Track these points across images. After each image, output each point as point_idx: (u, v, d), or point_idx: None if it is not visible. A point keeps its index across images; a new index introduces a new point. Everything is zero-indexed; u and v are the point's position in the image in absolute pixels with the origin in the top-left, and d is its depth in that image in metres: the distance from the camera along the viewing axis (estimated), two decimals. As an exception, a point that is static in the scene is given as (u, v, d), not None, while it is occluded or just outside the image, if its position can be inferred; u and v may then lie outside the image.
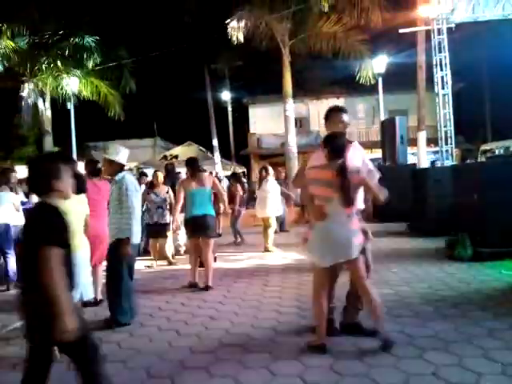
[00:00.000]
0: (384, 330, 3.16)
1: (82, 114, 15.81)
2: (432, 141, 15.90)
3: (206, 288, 5.20)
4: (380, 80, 14.56)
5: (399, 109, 21.05)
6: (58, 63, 14.02)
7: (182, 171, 8.97)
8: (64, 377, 2.40)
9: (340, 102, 24.61)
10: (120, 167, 4.12)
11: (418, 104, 13.50)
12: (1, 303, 4.87)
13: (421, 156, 13.18)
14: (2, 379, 3.07)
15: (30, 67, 14.09)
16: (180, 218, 5.91)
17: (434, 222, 7.95)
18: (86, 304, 4.53)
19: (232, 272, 6.21)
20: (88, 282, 3.65)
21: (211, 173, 11.28)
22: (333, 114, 3.44)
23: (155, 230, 6.85)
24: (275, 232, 8.45)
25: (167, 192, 7.01)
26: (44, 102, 14.97)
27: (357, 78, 14.96)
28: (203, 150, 21.46)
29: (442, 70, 11.93)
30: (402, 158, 10.69)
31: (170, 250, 7.14)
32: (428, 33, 12.21)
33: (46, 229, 2.05)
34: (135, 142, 26.98)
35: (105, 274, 4.29)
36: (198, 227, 5.33)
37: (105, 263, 4.45)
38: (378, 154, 15.43)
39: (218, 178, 13.87)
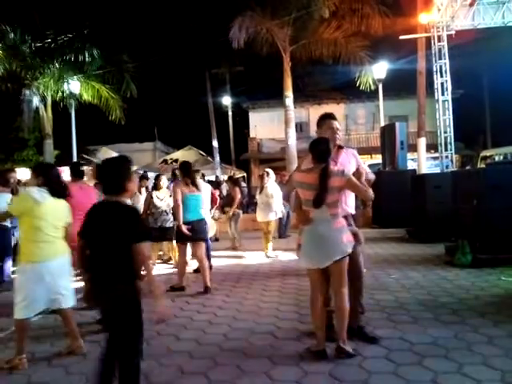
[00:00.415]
0: (345, 340, 3.14)
1: (83, 118, 15.84)
2: (432, 147, 15.94)
3: (206, 290, 5.23)
4: (380, 86, 14.62)
5: (399, 115, 21.10)
6: (60, 67, 14.06)
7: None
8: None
9: (340, 107, 24.73)
10: None
11: (418, 110, 13.53)
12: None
13: (421, 162, 13.19)
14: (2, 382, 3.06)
15: (32, 71, 14.12)
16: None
17: (434, 228, 7.96)
18: (84, 308, 4.57)
19: (231, 277, 6.20)
20: (69, 290, 3.46)
21: (203, 175, 11.28)
22: (323, 121, 3.58)
23: (159, 234, 6.86)
24: (273, 237, 8.45)
25: (170, 196, 7.02)
26: (45, 105, 14.98)
27: (357, 84, 15.01)
28: (203, 154, 21.45)
29: (442, 76, 11.99)
30: (401, 164, 10.71)
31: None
32: (428, 39, 12.28)
33: (140, 226, 2.45)
34: (136, 146, 27.07)
35: None
36: (191, 232, 5.38)
37: None
38: (377, 159, 15.47)
39: (217, 183, 13.92)
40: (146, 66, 16.72)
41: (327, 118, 3.57)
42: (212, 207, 7.90)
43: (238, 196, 8.99)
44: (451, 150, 12.00)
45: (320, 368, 3.02)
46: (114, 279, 2.35)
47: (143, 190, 8.48)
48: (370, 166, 3.84)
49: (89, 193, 4.90)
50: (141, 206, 8.18)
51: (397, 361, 3.06)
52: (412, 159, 13.98)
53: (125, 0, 17.55)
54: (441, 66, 11.99)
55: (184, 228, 5.33)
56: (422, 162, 13.08)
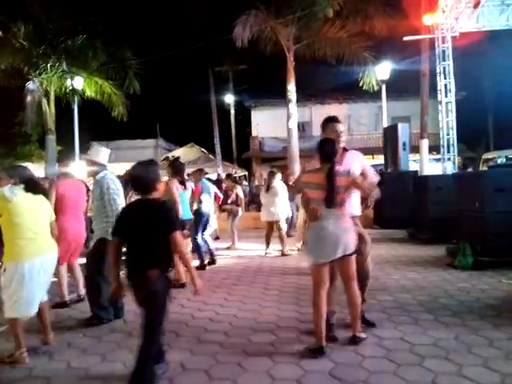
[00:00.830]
0: (360, 330, 3.40)
1: (86, 114, 15.86)
2: (434, 148, 15.92)
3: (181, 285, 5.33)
4: (384, 87, 14.60)
5: (402, 115, 21.06)
6: (63, 62, 14.07)
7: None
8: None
9: (343, 107, 24.69)
10: (101, 167, 4.21)
11: (420, 111, 13.52)
12: None
13: (423, 163, 13.18)
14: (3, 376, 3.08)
15: (35, 66, 14.13)
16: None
17: (435, 230, 7.96)
18: (71, 301, 4.67)
19: (232, 275, 6.22)
20: (47, 285, 3.50)
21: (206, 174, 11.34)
22: (328, 124, 3.67)
23: None
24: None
25: None
26: (48, 100, 15.01)
27: (360, 84, 15.00)
28: (205, 151, 21.51)
29: (445, 78, 11.99)
30: (403, 165, 10.69)
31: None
32: (432, 40, 12.27)
33: (175, 218, 2.96)
34: (137, 143, 27.06)
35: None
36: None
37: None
38: (380, 160, 15.45)
39: (219, 181, 13.91)
40: (150, 62, 16.73)
41: (331, 121, 3.66)
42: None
43: (240, 194, 9.01)
44: (453, 151, 12.00)
45: (320, 367, 3.03)
46: (153, 266, 2.69)
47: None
48: (372, 166, 3.91)
49: (80, 188, 4.98)
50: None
51: (397, 361, 3.07)
52: (414, 160, 13.97)
53: (129, -3, 17.56)
54: (444, 68, 11.99)
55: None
56: (425, 163, 13.07)
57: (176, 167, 5.99)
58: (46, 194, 3.61)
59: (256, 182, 20.27)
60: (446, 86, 12.03)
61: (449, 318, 3.97)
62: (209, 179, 12.39)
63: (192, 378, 2.98)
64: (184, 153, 19.22)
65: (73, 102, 14.40)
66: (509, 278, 5.27)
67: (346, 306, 3.55)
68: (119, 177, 11.21)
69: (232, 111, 25.61)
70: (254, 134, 26.46)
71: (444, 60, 11.94)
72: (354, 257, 3.31)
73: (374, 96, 17.25)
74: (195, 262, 6.40)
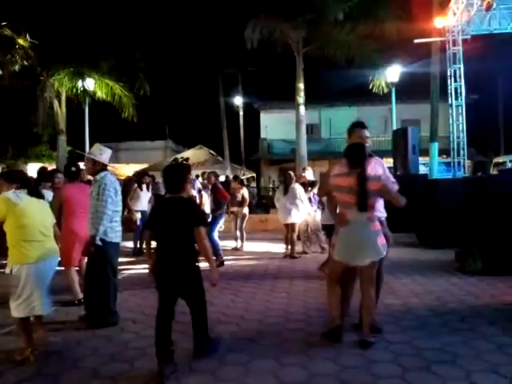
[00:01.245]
0: (369, 335, 3.42)
1: (96, 115, 16.01)
2: (444, 151, 15.80)
3: None
4: (393, 89, 14.53)
5: (412, 118, 20.95)
6: (75, 64, 14.23)
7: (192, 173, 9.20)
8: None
9: (352, 110, 24.64)
10: (102, 167, 4.20)
11: (430, 114, 13.43)
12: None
13: (432, 167, 13.09)
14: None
15: (48, 68, 14.31)
16: None
17: (444, 234, 7.89)
18: (68, 303, 4.73)
19: (240, 276, 6.23)
20: (44, 296, 3.42)
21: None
22: (353, 129, 3.70)
23: None
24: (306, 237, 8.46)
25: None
26: (59, 101, 15.19)
27: (370, 87, 14.94)
28: (214, 153, 21.54)
29: (456, 81, 11.91)
30: (413, 168, 10.63)
31: None
32: (443, 43, 12.19)
33: (200, 214, 3.30)
34: (147, 144, 27.25)
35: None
36: None
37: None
38: (389, 163, 15.36)
39: (227, 182, 13.95)
40: (160, 64, 16.86)
41: (357, 126, 3.71)
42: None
43: (246, 196, 9.04)
44: (464, 155, 11.91)
45: (327, 371, 3.03)
46: (183, 255, 3.09)
47: (144, 186, 8.63)
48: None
49: (87, 191, 5.01)
50: (140, 202, 8.38)
51: (405, 366, 3.06)
52: (423, 164, 13.87)
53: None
54: (455, 71, 11.91)
55: None
56: (434, 166, 12.98)
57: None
58: (43, 198, 3.65)
59: (262, 184, 20.26)
60: (456, 89, 11.95)
61: (457, 322, 3.94)
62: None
63: (199, 379, 2.99)
64: (193, 154, 19.28)
65: (84, 103, 14.54)
66: (519, 283, 5.22)
67: (356, 309, 3.55)
68: (128, 177, 11.36)
69: (241, 113, 25.67)
70: (262, 135, 26.50)
71: (455, 63, 11.86)
72: (377, 265, 3.38)
73: (384, 99, 17.18)
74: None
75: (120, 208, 4.24)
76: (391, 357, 3.22)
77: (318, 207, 7.92)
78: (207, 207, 7.67)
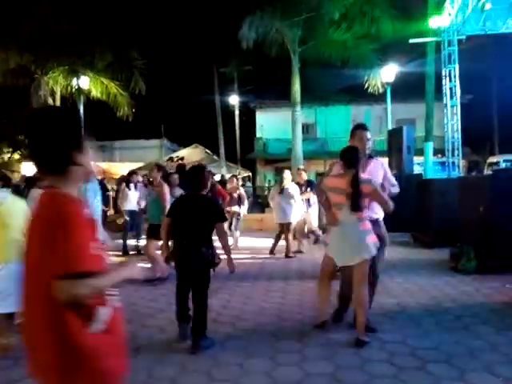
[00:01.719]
0: (363, 333, 3.46)
1: (91, 113, 15.94)
2: (439, 151, 15.88)
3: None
4: (388, 89, 14.56)
5: (407, 118, 21.01)
6: (70, 62, 14.16)
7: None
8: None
9: (347, 109, 24.68)
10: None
11: (425, 114, 13.48)
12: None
13: (427, 166, 13.14)
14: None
15: (42, 66, 14.23)
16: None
17: (439, 233, 7.92)
18: None
19: (235, 276, 6.20)
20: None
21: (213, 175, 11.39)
22: (355, 131, 3.81)
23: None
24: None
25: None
26: (54, 100, 15.11)
27: (365, 87, 14.97)
28: (209, 152, 21.50)
29: (451, 81, 11.95)
30: (408, 168, 10.66)
31: None
32: (438, 43, 12.23)
33: (221, 211, 3.80)
34: (142, 143, 27.16)
35: None
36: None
37: None
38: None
39: (223, 182, 13.94)
40: (155, 63, 16.79)
41: (358, 128, 3.82)
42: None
43: (243, 194, 9.02)
44: (458, 155, 11.96)
45: (322, 370, 3.03)
46: (200, 245, 3.50)
47: (132, 185, 8.58)
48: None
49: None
50: (129, 202, 8.37)
51: (399, 365, 3.07)
52: (418, 163, 13.91)
53: (135, -3, 17.61)
54: (450, 71, 11.95)
55: None
56: (429, 166, 13.03)
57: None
58: (25, 198, 3.70)
59: (258, 183, 20.25)
60: (451, 89, 11.99)
61: (451, 322, 3.96)
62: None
63: (193, 379, 2.99)
64: (188, 153, 19.24)
65: (79, 102, 14.47)
66: (513, 282, 5.25)
67: (352, 309, 3.57)
68: (121, 176, 11.28)
69: (236, 112, 25.62)
70: (258, 135, 26.49)
71: (450, 63, 11.90)
72: (368, 264, 3.43)
73: (379, 98, 17.21)
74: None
75: (100, 207, 4.22)
76: (386, 356, 3.23)
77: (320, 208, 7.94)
78: None
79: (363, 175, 3.47)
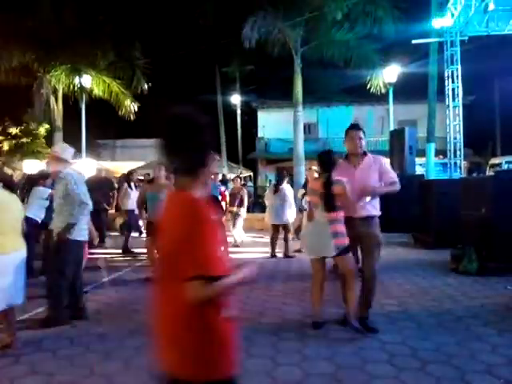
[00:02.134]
0: (354, 321, 3.66)
1: (93, 111, 15.94)
2: (441, 152, 15.84)
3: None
4: (391, 90, 14.54)
5: (409, 119, 20.99)
6: (72, 61, 14.16)
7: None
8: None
9: (349, 110, 24.66)
10: (66, 165, 4.13)
11: (428, 115, 13.46)
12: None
13: (429, 167, 13.11)
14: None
15: (45, 64, 14.24)
16: None
17: (440, 234, 7.91)
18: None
19: (235, 275, 6.21)
20: (20, 286, 3.45)
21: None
22: (348, 131, 3.94)
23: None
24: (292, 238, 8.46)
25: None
26: (56, 98, 15.12)
27: (367, 87, 14.94)
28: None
29: (453, 82, 11.93)
30: (410, 169, 10.65)
31: None
32: (441, 44, 12.21)
33: (220, 207, 4.54)
34: (144, 142, 27.15)
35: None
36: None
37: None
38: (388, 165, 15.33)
39: (224, 181, 13.94)
40: (157, 62, 16.79)
41: (351, 128, 3.97)
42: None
43: (246, 196, 9.05)
44: (460, 156, 11.94)
45: (322, 370, 3.03)
46: None
47: (132, 184, 8.65)
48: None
49: None
50: (131, 201, 8.41)
51: (399, 366, 3.06)
52: (420, 164, 13.89)
53: (138, -3, 17.63)
54: (452, 72, 11.93)
55: None
56: (431, 167, 13.01)
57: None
58: (16, 193, 3.73)
59: (260, 183, 20.24)
60: (453, 89, 11.97)
61: (452, 323, 3.96)
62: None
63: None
64: (190, 152, 19.24)
65: (81, 100, 14.47)
66: (514, 284, 5.23)
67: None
68: (122, 175, 11.36)
69: (238, 112, 25.63)
70: (259, 134, 26.48)
71: (452, 64, 11.88)
72: (347, 256, 3.67)
73: (381, 99, 17.19)
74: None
75: (87, 206, 4.17)
76: (386, 357, 3.22)
77: None
78: None
79: (337, 176, 3.64)
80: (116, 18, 15.07)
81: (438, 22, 11.84)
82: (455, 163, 12.05)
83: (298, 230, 8.58)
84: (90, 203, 4.13)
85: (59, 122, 15.22)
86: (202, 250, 1.35)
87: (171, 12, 19.07)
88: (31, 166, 13.87)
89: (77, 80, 14.32)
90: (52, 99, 14.96)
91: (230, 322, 1.51)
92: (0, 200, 3.40)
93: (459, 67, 11.82)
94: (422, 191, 8.95)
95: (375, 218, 3.80)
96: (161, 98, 23.95)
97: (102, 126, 21.93)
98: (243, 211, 9.03)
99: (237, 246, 8.78)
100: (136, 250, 8.34)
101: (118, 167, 18.42)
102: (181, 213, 1.42)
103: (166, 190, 5.94)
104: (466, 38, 11.71)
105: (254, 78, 23.33)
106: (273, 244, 7.82)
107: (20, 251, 3.49)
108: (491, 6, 10.18)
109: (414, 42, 12.46)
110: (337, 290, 4.00)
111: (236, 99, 24.99)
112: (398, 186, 3.84)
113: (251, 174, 24.23)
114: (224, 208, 8.72)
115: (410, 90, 18.68)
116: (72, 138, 17.27)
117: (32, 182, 8.11)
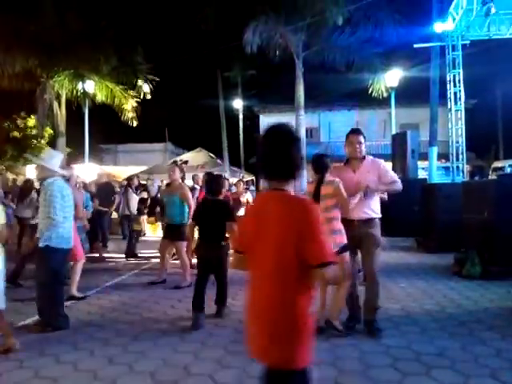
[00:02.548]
0: (337, 322, 3.74)
1: (96, 117, 16.02)
2: (443, 156, 15.83)
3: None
4: (393, 94, 14.56)
5: (411, 123, 20.99)
6: (75, 66, 14.24)
7: (188, 176, 9.31)
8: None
9: (351, 114, 24.67)
10: (52, 173, 4.11)
11: (430, 119, 13.46)
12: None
13: (431, 171, 13.10)
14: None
15: (48, 70, 14.33)
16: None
17: (443, 238, 7.89)
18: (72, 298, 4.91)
19: (237, 280, 6.19)
20: (2, 290, 3.46)
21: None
22: (348, 135, 4.00)
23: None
24: None
25: None
26: (59, 103, 15.20)
27: (369, 91, 14.97)
28: (213, 156, 21.54)
29: (455, 85, 11.94)
30: (412, 173, 10.64)
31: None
32: (443, 48, 12.23)
33: (232, 212, 4.60)
34: (146, 146, 27.26)
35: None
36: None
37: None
38: (388, 167, 15.33)
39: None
40: (160, 67, 16.88)
41: (351, 133, 4.05)
42: None
43: (243, 202, 9.04)
44: (463, 159, 11.93)
45: (325, 375, 3.01)
46: (218, 239, 4.36)
47: (133, 188, 8.76)
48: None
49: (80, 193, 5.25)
50: (134, 206, 8.47)
51: (403, 370, 3.05)
52: (422, 168, 13.88)
53: (140, 2, 17.75)
54: (454, 76, 11.94)
55: None
56: (433, 171, 13.00)
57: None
58: None
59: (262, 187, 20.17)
60: (455, 93, 11.98)
61: (456, 327, 3.94)
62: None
63: (197, 382, 2.98)
64: (192, 157, 19.26)
65: (84, 106, 14.54)
66: (517, 288, 5.21)
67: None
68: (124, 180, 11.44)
69: (240, 116, 25.68)
70: (262, 139, 26.51)
71: (454, 68, 11.90)
72: (344, 255, 3.63)
73: (383, 103, 17.21)
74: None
75: (70, 214, 4.20)
76: (390, 361, 3.21)
77: None
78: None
79: (329, 178, 3.73)
80: (118, 23, 15.17)
81: (440, 27, 11.88)
82: (458, 167, 12.04)
83: None
84: (68, 213, 4.14)
85: (62, 127, 15.30)
86: (325, 239, 1.60)
87: (173, 17, 19.19)
88: (35, 171, 13.92)
89: (80, 85, 14.40)
90: (55, 104, 15.05)
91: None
92: None
93: (461, 71, 11.83)
94: (424, 195, 8.93)
95: (375, 219, 3.84)
96: (163, 102, 24.09)
97: (105, 130, 22.03)
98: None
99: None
100: (140, 254, 8.37)
101: (120, 172, 18.47)
102: (300, 209, 1.64)
103: (181, 191, 5.97)
104: (468, 42, 11.73)
105: (255, 83, 23.43)
106: None
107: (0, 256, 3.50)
108: (493, 10, 10.20)
109: (415, 46, 12.50)
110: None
111: (238, 104, 25.05)
112: (399, 185, 3.89)
113: (253, 177, 24.23)
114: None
115: (412, 93, 18.71)
116: (75, 143, 17.41)
117: (30, 187, 8.22)
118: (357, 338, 3.57)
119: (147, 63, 15.75)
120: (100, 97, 15.13)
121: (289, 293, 1.61)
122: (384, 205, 4.21)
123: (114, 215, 10.08)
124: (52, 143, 17.67)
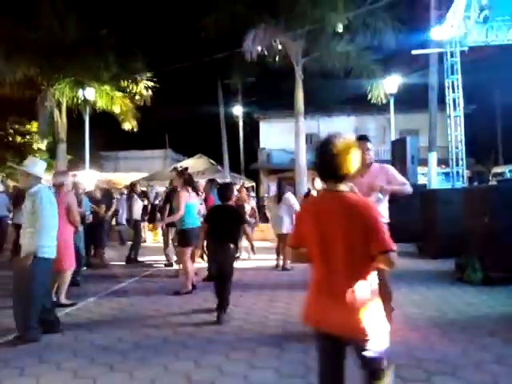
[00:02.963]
0: None
1: (96, 124, 16.07)
2: (443, 161, 15.86)
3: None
4: (392, 100, 14.61)
5: (410, 129, 21.05)
6: (76, 74, 14.32)
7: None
8: None
9: (351, 120, 24.76)
10: (36, 180, 4.07)
11: (429, 125, 13.50)
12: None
13: (431, 177, 13.12)
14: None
15: (48, 77, 14.40)
16: None
17: (444, 244, 7.88)
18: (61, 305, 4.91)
19: (238, 286, 6.19)
20: None
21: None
22: (359, 142, 3.98)
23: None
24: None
25: None
26: (60, 111, 15.26)
27: (368, 98, 15.04)
28: (213, 162, 21.58)
29: (454, 91, 11.98)
30: (412, 179, 10.64)
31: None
32: (441, 54, 12.30)
33: (244, 216, 5.77)
34: (147, 153, 27.30)
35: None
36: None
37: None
38: (395, 171, 15.33)
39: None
40: (160, 74, 16.96)
41: (358, 139, 3.98)
42: None
43: (253, 206, 9.11)
44: (462, 165, 11.95)
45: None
46: (230, 241, 4.69)
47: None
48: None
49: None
50: (138, 212, 8.50)
51: (404, 377, 3.03)
52: (422, 174, 13.90)
53: (140, 10, 17.88)
54: (453, 82, 12.00)
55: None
56: (433, 176, 13.01)
57: (187, 178, 6.20)
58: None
59: (262, 193, 20.26)
60: (454, 99, 12.02)
61: (457, 333, 3.93)
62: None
63: (198, 390, 2.98)
64: (192, 163, 19.26)
65: (84, 113, 14.59)
66: (519, 293, 5.21)
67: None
68: (125, 186, 11.52)
69: (240, 123, 25.78)
70: (261, 145, 26.59)
71: (452, 74, 11.95)
72: None
73: (382, 109, 17.27)
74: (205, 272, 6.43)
75: (57, 222, 4.12)
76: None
77: None
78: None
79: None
80: (119, 30, 15.28)
81: (438, 33, 11.95)
82: (457, 172, 12.05)
83: None
84: (55, 221, 4.11)
85: (63, 135, 15.35)
86: (386, 231, 1.90)
87: (173, 25, 19.33)
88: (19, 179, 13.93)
89: (80, 93, 14.46)
90: (56, 112, 15.11)
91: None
92: None
93: (459, 77, 11.88)
94: (424, 201, 8.94)
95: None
96: (163, 109, 24.19)
97: (105, 137, 22.07)
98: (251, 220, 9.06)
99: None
100: (140, 259, 8.39)
101: (121, 178, 18.50)
102: (362, 207, 1.94)
103: (176, 197, 6.01)
104: (466, 48, 11.80)
105: (255, 90, 23.52)
106: (278, 254, 7.80)
107: None
108: (490, 17, 10.26)
109: (413, 52, 12.56)
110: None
111: (238, 110, 25.16)
112: (408, 188, 3.93)
113: (254, 184, 24.26)
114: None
115: (411, 99, 18.77)
116: (75, 150, 17.45)
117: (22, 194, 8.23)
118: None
119: (148, 70, 15.83)
120: (100, 104, 15.20)
121: (359, 278, 1.94)
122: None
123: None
124: (52, 150, 17.73)
